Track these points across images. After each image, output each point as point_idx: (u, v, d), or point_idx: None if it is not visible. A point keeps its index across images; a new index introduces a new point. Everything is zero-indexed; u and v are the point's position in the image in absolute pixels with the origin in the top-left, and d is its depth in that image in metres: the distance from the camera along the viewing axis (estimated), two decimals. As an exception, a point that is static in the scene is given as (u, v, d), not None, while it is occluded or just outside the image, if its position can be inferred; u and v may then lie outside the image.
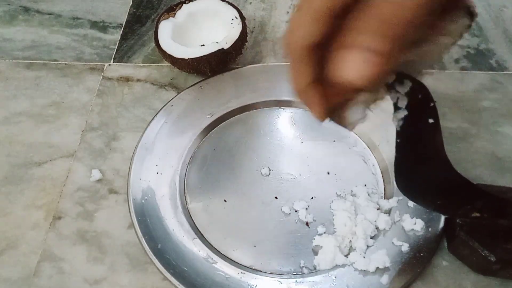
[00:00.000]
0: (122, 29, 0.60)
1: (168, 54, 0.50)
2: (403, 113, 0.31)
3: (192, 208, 0.44)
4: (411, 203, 0.41)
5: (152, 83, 0.54)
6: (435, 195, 0.37)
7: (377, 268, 0.38)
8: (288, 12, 0.62)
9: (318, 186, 0.45)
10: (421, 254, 0.39)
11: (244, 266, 0.40)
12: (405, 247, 0.39)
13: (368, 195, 0.43)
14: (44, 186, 0.45)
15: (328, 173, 0.46)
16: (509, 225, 0.37)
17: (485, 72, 0.54)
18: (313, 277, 0.39)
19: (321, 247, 0.40)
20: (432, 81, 0.53)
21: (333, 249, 0.39)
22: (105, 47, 0.58)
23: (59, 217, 0.43)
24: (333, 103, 0.28)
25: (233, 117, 0.50)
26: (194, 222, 0.43)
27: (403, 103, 0.30)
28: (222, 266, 0.39)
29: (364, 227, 0.40)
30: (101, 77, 0.54)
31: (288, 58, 0.27)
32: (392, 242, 0.40)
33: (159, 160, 0.46)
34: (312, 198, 0.44)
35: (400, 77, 0.30)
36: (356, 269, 0.39)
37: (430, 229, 0.40)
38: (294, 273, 0.40)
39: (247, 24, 0.52)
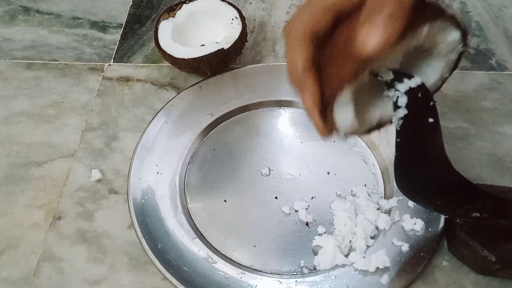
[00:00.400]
0: (122, 29, 0.60)
1: (168, 54, 0.50)
2: (402, 112, 0.31)
3: (192, 208, 0.44)
4: (411, 203, 0.41)
5: (152, 83, 0.54)
6: (435, 195, 0.37)
7: (377, 268, 0.38)
8: (288, 12, 0.62)
9: (318, 186, 0.45)
10: (421, 254, 0.39)
11: (244, 266, 0.40)
12: (405, 247, 0.39)
13: (368, 195, 0.43)
14: (44, 186, 0.45)
15: (328, 173, 0.46)
16: (509, 225, 0.37)
17: (485, 72, 0.54)
18: (313, 277, 0.39)
19: (321, 247, 0.40)
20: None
21: (333, 249, 0.39)
22: (105, 47, 0.58)
23: (59, 217, 0.43)
24: (328, 90, 0.28)
25: (233, 117, 0.50)
26: (194, 222, 0.43)
27: (402, 101, 0.30)
28: (222, 266, 0.39)
29: (364, 227, 0.40)
30: (101, 77, 0.54)
31: (288, 42, 0.28)
32: (392, 242, 0.40)
33: (159, 160, 0.46)
34: (312, 198, 0.44)
35: (399, 76, 0.30)
36: (356, 269, 0.39)
37: (430, 229, 0.40)
38: (294, 273, 0.40)
39: (247, 24, 0.52)
